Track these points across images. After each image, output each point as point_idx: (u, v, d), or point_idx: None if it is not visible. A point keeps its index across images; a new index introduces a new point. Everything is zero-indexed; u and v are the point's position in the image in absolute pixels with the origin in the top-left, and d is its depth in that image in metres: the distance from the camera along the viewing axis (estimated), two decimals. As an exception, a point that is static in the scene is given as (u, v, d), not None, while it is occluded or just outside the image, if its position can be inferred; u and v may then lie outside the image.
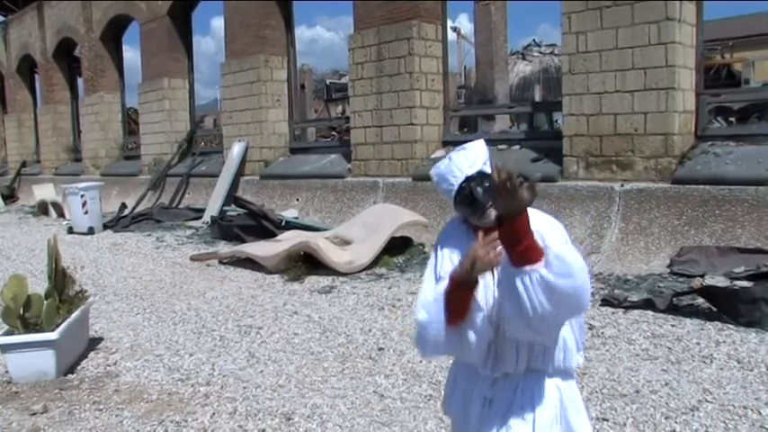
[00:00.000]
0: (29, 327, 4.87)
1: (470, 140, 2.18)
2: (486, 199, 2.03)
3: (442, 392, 2.45)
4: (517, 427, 2.09)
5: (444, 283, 2.02)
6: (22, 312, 4.86)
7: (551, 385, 2.12)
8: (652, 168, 7.65)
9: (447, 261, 2.14)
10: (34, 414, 4.22)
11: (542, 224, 2.03)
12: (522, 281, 1.82)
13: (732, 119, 9.67)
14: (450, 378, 2.34)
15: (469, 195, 2.06)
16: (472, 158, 2.11)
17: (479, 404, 2.17)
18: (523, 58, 25.13)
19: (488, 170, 2.08)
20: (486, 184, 2.03)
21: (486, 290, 2.03)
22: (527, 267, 1.82)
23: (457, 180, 2.09)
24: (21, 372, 4.78)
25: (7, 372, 4.86)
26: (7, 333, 4.88)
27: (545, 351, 2.08)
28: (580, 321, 2.15)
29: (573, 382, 2.18)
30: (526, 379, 2.11)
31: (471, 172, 2.08)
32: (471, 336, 2.00)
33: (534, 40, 27.42)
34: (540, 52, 25.24)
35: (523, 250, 1.82)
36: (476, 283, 1.95)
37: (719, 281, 5.93)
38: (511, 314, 1.91)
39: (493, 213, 2.01)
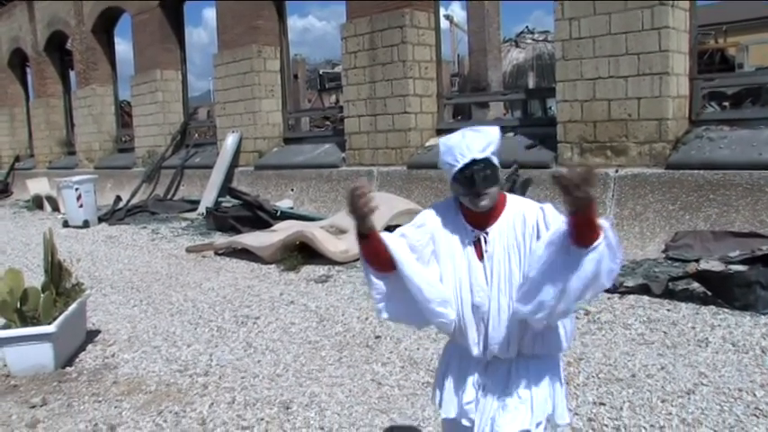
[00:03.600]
0: (26, 320, 4.87)
1: (464, 128, 2.18)
2: (485, 186, 2.04)
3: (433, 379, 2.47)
4: (513, 405, 2.11)
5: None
6: (19, 306, 4.86)
7: (544, 365, 2.17)
8: (646, 154, 7.67)
9: (413, 227, 2.20)
10: (33, 407, 4.23)
11: (546, 210, 2.10)
12: (594, 254, 1.88)
13: (726, 103, 9.68)
14: (441, 365, 2.35)
15: (470, 178, 2.05)
16: (485, 143, 2.08)
17: (473, 390, 2.19)
18: (517, 46, 25.06)
19: (495, 160, 2.10)
20: (489, 172, 2.05)
21: (457, 269, 2.14)
22: (596, 243, 1.87)
23: (463, 159, 2.06)
24: (19, 365, 4.79)
25: (5, 365, 4.87)
26: (5, 327, 4.88)
27: (535, 337, 2.12)
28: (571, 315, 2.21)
29: (560, 363, 2.26)
30: (518, 360, 2.14)
31: (480, 156, 2.05)
32: (414, 286, 2.10)
33: (527, 27, 27.46)
34: (534, 39, 25.14)
35: (593, 230, 1.87)
36: (366, 236, 2.06)
37: (714, 265, 5.95)
38: (555, 291, 1.95)
39: (485, 200, 2.04)
